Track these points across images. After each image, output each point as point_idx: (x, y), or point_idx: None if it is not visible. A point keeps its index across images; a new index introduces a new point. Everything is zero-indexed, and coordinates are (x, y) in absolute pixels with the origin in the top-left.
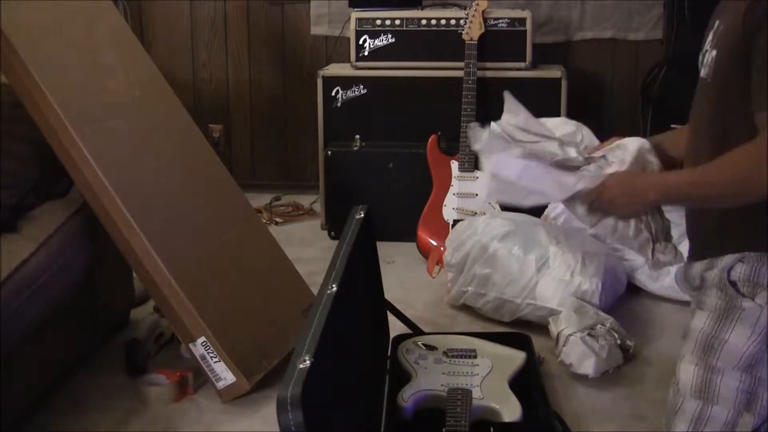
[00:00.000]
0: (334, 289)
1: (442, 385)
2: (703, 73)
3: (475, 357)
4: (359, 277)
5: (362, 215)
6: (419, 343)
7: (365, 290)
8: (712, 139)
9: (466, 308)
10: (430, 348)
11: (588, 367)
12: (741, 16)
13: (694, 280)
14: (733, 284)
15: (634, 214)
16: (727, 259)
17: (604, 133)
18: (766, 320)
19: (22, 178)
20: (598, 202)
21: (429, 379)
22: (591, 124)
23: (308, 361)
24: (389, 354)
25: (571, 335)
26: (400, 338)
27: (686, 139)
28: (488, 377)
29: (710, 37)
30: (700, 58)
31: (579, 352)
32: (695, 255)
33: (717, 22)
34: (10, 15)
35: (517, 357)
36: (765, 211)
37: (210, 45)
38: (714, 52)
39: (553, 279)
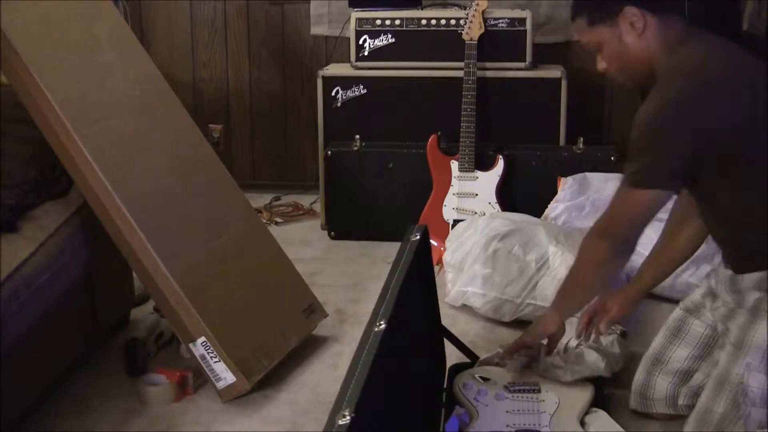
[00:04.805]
0: (383, 326)
1: (508, 426)
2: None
3: (539, 392)
4: (413, 308)
5: (418, 237)
6: (476, 376)
7: (420, 322)
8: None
9: (466, 308)
10: (489, 381)
11: (606, 370)
12: None
13: (742, 290)
14: None
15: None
16: None
17: (603, 133)
18: None
19: (22, 178)
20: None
21: (493, 418)
22: (591, 124)
23: (348, 417)
24: (445, 386)
25: (578, 346)
26: (457, 368)
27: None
28: (557, 415)
29: None
30: None
31: (594, 358)
32: (742, 268)
33: None
34: (10, 15)
35: (585, 390)
36: None
37: (210, 45)
38: None
39: (553, 279)
